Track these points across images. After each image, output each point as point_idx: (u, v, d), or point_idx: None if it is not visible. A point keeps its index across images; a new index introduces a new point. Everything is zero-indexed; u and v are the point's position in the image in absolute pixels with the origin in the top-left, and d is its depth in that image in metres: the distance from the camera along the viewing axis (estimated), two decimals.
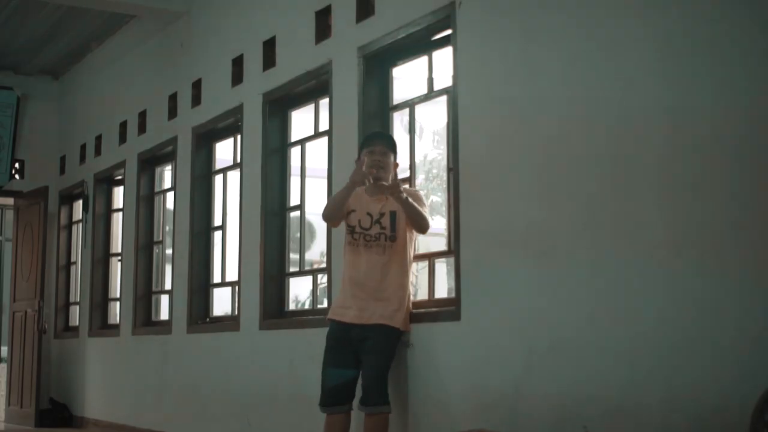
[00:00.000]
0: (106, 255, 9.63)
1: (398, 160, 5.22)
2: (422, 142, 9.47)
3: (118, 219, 9.56)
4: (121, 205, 9.33)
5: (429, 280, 5.35)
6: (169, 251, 8.66)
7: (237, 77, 7.10)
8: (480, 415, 4.53)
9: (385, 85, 5.67)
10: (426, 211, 4.98)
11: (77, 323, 10.00)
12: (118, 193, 9.63)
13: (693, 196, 3.66)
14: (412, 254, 5.08)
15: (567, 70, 4.27)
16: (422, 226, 4.96)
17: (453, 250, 4.90)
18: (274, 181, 6.63)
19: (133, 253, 8.67)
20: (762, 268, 3.39)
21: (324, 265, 6.05)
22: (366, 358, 4.92)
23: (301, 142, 6.55)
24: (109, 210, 9.76)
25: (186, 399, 7.50)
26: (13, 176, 10.36)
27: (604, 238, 4.01)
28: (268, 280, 6.52)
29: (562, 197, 4.23)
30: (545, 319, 4.25)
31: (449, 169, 5.03)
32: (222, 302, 7.66)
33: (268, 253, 6.54)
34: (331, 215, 5.14)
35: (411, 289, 5.10)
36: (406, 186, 5.24)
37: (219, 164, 7.74)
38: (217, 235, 7.66)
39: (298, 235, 6.83)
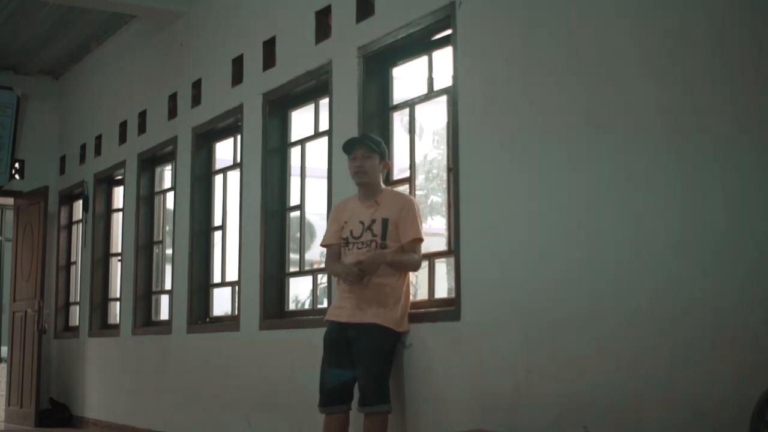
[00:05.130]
0: (106, 255, 9.63)
1: (389, 159, 5.22)
2: (422, 142, 9.48)
3: (118, 219, 9.56)
4: (121, 205, 9.33)
5: (429, 280, 5.35)
6: (169, 251, 8.66)
7: (237, 77, 7.10)
8: (480, 415, 4.53)
9: (385, 85, 5.67)
10: (419, 227, 4.94)
11: (77, 323, 10.01)
12: (118, 193, 9.63)
13: (693, 196, 3.66)
14: None
15: (567, 70, 4.27)
16: (414, 270, 5.09)
17: (453, 250, 4.90)
18: (274, 181, 6.63)
19: (133, 253, 8.67)
20: (762, 268, 3.39)
21: (324, 265, 6.04)
22: (360, 358, 4.92)
23: (301, 142, 6.55)
24: (109, 210, 9.76)
25: (186, 399, 7.50)
26: (13, 176, 10.36)
27: (604, 238, 4.01)
28: (268, 280, 6.52)
29: (562, 197, 4.23)
30: (545, 320, 4.25)
31: (449, 169, 5.03)
32: (222, 302, 7.66)
33: (268, 253, 6.54)
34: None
35: (411, 289, 5.10)
36: (405, 190, 5.24)
37: (219, 164, 7.74)
38: (217, 235, 7.66)
39: (298, 235, 6.83)
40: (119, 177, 9.43)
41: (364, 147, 5.08)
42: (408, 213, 4.95)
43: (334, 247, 5.20)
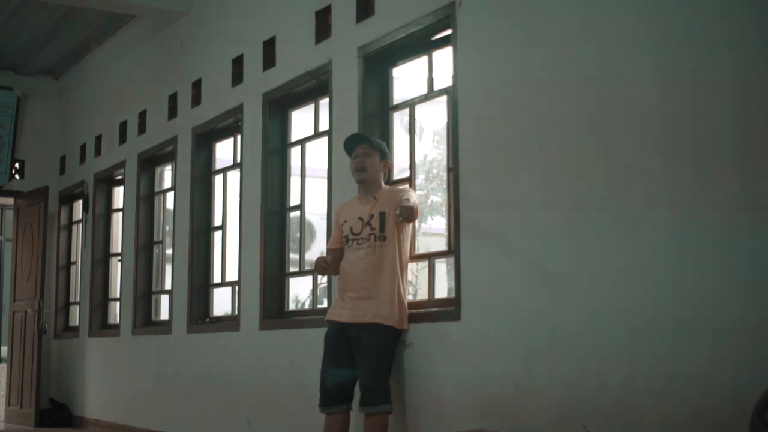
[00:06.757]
0: (106, 255, 9.64)
1: (390, 159, 5.24)
2: (422, 142, 9.49)
3: (118, 219, 9.56)
4: (121, 205, 9.34)
5: (429, 280, 5.35)
6: (169, 251, 8.66)
7: (237, 77, 7.10)
8: (480, 415, 4.53)
9: (385, 85, 5.67)
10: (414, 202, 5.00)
11: (77, 323, 10.01)
12: (118, 193, 9.64)
13: (693, 195, 3.66)
14: (406, 253, 5.08)
15: (567, 70, 4.27)
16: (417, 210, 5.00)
17: (453, 250, 4.90)
18: (274, 181, 6.63)
19: (133, 253, 8.67)
20: (762, 267, 3.40)
21: None
22: (361, 358, 4.93)
23: (301, 142, 6.55)
24: (109, 210, 9.76)
25: (186, 399, 7.50)
26: (13, 176, 10.37)
27: (603, 238, 4.01)
28: (268, 280, 6.52)
29: (561, 197, 4.23)
30: (545, 319, 4.25)
31: (449, 169, 5.03)
32: (222, 302, 7.66)
33: (268, 253, 6.55)
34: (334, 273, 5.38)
35: (410, 288, 5.10)
36: (404, 186, 5.26)
37: (219, 164, 7.74)
38: (217, 235, 7.66)
39: (298, 235, 6.83)
40: (119, 177, 9.43)
41: (366, 144, 5.11)
42: (402, 189, 5.06)
43: (336, 252, 5.26)
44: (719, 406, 3.49)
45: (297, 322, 6.21)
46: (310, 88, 6.32)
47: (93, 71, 9.97)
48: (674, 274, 3.70)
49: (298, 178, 6.58)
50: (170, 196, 8.48)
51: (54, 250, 10.42)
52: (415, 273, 8.19)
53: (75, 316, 10.25)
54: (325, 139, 6.08)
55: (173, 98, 8.11)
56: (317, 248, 11.88)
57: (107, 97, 9.63)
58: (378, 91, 5.65)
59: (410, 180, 5.45)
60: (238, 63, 7.10)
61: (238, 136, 7.22)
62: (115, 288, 9.48)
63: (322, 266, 5.27)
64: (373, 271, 4.97)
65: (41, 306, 9.89)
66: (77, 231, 10.33)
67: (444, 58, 5.21)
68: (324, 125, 6.20)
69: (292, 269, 6.66)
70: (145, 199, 8.74)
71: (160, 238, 8.72)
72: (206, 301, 7.60)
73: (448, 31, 5.03)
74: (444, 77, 5.22)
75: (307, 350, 5.80)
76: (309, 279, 6.72)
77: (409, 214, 4.81)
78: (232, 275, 7.31)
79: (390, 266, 4.98)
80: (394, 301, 4.95)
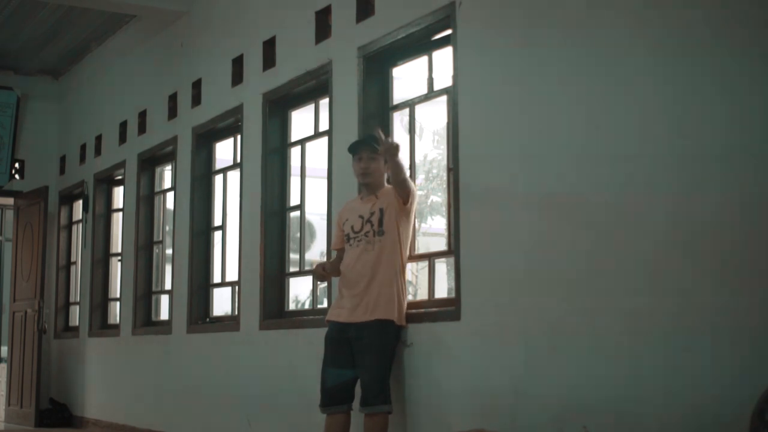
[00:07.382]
0: (106, 255, 9.64)
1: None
2: (422, 142, 9.49)
3: (118, 219, 9.56)
4: (121, 205, 9.34)
5: (429, 280, 5.35)
6: (169, 251, 8.66)
7: (237, 77, 7.10)
8: (480, 415, 4.54)
9: (385, 85, 5.67)
10: (412, 186, 5.04)
11: (77, 323, 10.01)
12: (118, 193, 9.64)
13: (693, 196, 3.66)
14: (405, 249, 5.08)
15: (567, 70, 4.27)
16: (404, 186, 4.95)
17: (453, 250, 4.90)
18: (274, 181, 6.63)
19: (133, 253, 8.67)
20: (762, 268, 3.40)
21: None
22: (361, 357, 4.94)
23: (301, 142, 6.55)
24: (109, 210, 9.76)
25: (186, 399, 7.51)
26: (13, 176, 10.37)
27: (604, 238, 4.02)
28: (268, 280, 6.53)
29: (561, 197, 4.23)
30: (545, 320, 4.25)
31: (449, 169, 5.04)
32: (222, 302, 7.66)
33: (268, 253, 6.55)
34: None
35: (410, 288, 5.11)
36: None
37: (219, 164, 7.74)
38: (217, 235, 7.66)
39: (298, 235, 6.83)
40: (119, 177, 9.43)
41: (370, 148, 5.10)
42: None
43: (340, 252, 5.30)
44: (719, 406, 3.49)
45: (297, 322, 6.22)
46: (310, 88, 6.32)
47: (93, 71, 9.97)
48: (675, 274, 3.70)
49: (298, 178, 6.58)
50: (170, 196, 8.48)
51: (54, 250, 10.42)
52: (415, 273, 8.19)
53: (75, 316, 10.25)
54: (325, 139, 6.08)
55: (173, 98, 8.11)
56: (317, 248, 11.87)
57: (107, 97, 9.63)
58: (378, 91, 5.65)
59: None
60: (238, 63, 7.11)
61: (238, 136, 7.22)
62: (115, 288, 9.48)
63: (320, 274, 5.27)
64: (372, 265, 4.98)
65: (41, 306, 9.88)
66: (77, 231, 10.33)
67: (444, 58, 5.21)
68: (324, 125, 6.20)
69: (292, 269, 6.66)
70: (145, 199, 8.74)
71: (160, 238, 8.72)
72: (206, 301, 7.60)
73: (448, 31, 5.03)
74: (444, 77, 5.22)
75: (307, 350, 5.80)
76: (309, 279, 6.72)
77: (395, 149, 4.77)
78: (232, 275, 7.31)
79: (388, 261, 4.98)
80: (393, 297, 4.95)
